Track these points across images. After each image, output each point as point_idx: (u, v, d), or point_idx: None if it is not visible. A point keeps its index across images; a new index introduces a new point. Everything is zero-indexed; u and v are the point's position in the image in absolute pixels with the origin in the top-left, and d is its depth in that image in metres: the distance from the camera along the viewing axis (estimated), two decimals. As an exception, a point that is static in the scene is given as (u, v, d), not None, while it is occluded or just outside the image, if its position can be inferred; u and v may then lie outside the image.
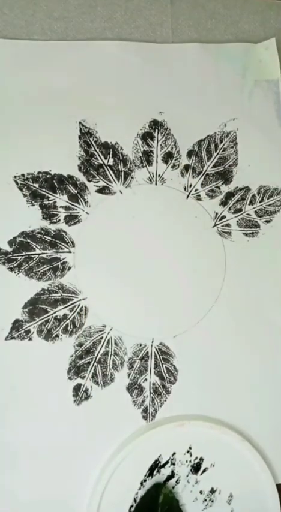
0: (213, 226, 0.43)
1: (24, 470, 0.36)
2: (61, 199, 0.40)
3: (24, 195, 0.40)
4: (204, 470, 0.39)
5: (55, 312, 0.39)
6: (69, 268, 0.40)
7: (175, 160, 0.43)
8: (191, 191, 0.43)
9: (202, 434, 0.39)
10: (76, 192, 0.41)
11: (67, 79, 0.42)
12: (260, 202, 0.44)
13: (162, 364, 0.40)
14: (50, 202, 0.40)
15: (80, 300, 0.39)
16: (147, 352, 0.40)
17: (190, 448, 0.39)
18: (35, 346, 0.38)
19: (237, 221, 0.44)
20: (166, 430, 0.38)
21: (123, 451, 0.37)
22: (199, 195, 0.43)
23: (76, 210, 0.41)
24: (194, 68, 0.45)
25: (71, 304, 0.39)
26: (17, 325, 0.38)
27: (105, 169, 0.42)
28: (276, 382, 0.42)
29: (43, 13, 0.43)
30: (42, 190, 0.40)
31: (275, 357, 0.42)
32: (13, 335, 0.38)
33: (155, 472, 0.38)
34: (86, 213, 0.41)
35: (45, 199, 0.40)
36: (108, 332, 0.39)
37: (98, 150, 0.42)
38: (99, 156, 0.42)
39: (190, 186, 0.43)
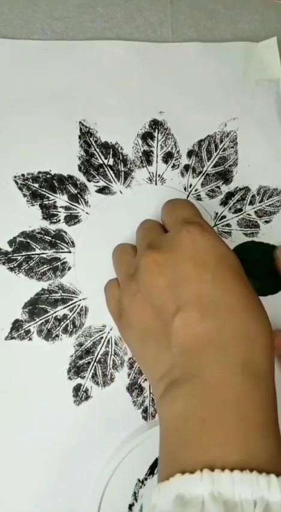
0: (213, 226, 0.43)
1: (24, 470, 0.36)
2: (61, 199, 0.40)
3: (24, 195, 0.40)
4: None
5: (55, 312, 0.39)
6: (69, 268, 0.40)
7: (175, 160, 0.43)
8: (191, 191, 0.43)
9: None
10: (76, 192, 0.41)
11: (67, 79, 0.42)
12: (260, 202, 0.44)
13: (162, 364, 0.40)
14: (50, 202, 0.40)
15: (80, 300, 0.39)
16: (147, 352, 0.40)
17: None
18: (35, 346, 0.38)
19: (237, 221, 0.44)
20: None
21: (124, 449, 0.37)
22: (199, 195, 0.43)
23: (76, 210, 0.41)
24: (194, 67, 0.45)
25: (71, 304, 0.39)
26: (17, 325, 0.38)
27: (105, 169, 0.42)
28: (276, 379, 0.42)
29: (43, 13, 0.43)
30: (42, 190, 0.40)
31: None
32: (13, 335, 0.38)
33: (156, 470, 0.38)
34: (86, 213, 0.41)
35: (45, 199, 0.40)
36: (108, 332, 0.39)
37: (98, 150, 0.42)
38: (99, 156, 0.42)
39: (190, 186, 0.43)
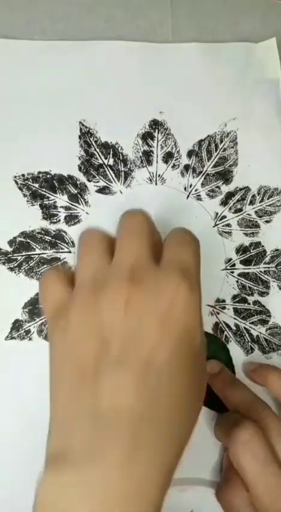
0: (213, 226, 0.43)
1: (25, 470, 0.36)
2: (61, 199, 0.40)
3: (24, 195, 0.40)
4: None
5: (55, 312, 0.39)
6: (70, 268, 0.39)
7: (175, 160, 0.43)
8: (191, 191, 0.43)
9: (204, 499, 0.36)
10: (76, 192, 0.41)
11: (67, 79, 0.42)
12: (260, 202, 0.44)
13: (162, 364, 0.40)
14: (50, 202, 0.40)
15: (80, 300, 0.39)
16: (147, 352, 0.40)
17: None
18: (35, 346, 0.38)
19: (237, 221, 0.44)
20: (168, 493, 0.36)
21: None
22: (199, 195, 0.43)
23: (76, 210, 0.41)
24: (194, 67, 0.45)
25: (71, 304, 0.39)
26: (17, 325, 0.38)
27: (106, 169, 0.42)
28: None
29: (43, 13, 0.43)
30: (42, 190, 0.40)
31: (275, 357, 0.42)
32: (13, 335, 0.38)
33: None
34: (86, 213, 0.41)
35: (45, 199, 0.40)
36: (109, 332, 0.39)
37: (98, 150, 0.42)
38: (99, 156, 0.42)
39: (190, 186, 0.43)
